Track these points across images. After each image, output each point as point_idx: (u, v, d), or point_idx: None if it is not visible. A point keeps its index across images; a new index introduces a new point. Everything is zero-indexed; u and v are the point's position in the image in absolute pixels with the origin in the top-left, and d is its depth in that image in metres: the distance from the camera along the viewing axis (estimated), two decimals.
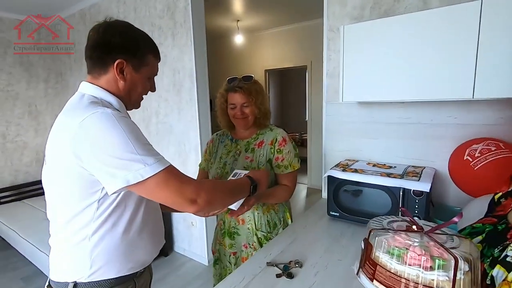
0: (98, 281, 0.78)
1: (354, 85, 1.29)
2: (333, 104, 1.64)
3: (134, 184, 0.66)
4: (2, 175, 3.43)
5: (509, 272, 0.54)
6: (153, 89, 0.91)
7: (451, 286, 0.52)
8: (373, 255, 0.61)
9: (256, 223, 1.27)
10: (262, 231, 1.27)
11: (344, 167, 1.38)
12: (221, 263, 1.36)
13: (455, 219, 0.60)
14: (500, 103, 1.19)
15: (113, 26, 0.81)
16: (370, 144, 1.55)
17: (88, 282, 0.77)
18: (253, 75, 1.28)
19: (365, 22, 1.24)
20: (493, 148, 1.06)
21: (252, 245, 1.27)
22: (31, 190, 3.46)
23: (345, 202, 1.36)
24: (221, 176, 1.27)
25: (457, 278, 0.52)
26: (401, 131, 1.44)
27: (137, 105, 0.91)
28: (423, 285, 0.53)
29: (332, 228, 1.30)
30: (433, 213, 1.27)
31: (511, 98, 1.00)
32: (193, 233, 2.63)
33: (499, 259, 0.58)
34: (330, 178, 1.35)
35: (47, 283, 0.84)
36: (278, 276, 0.95)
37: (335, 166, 1.42)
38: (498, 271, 0.57)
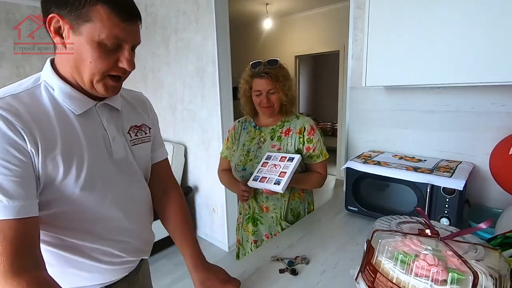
0: None
1: (379, 67, 1.15)
2: (359, 89, 1.50)
3: None
4: None
5: None
6: (125, 63, 0.62)
7: None
8: (374, 260, 0.52)
9: (282, 212, 1.22)
10: (287, 221, 1.23)
11: (366, 159, 1.26)
12: (243, 249, 1.34)
13: (482, 225, 0.49)
14: None
15: None
16: (399, 134, 1.39)
17: None
18: (278, 59, 1.21)
19: None
20: None
21: (275, 235, 1.22)
22: None
23: (366, 196, 1.25)
24: (245, 164, 1.24)
25: None
26: (436, 120, 1.27)
27: (102, 89, 0.63)
28: None
29: (349, 224, 1.21)
30: (468, 215, 1.11)
31: None
32: (214, 220, 2.65)
33: None
34: (349, 170, 1.24)
35: None
36: (281, 271, 0.90)
37: (356, 157, 1.31)
38: None
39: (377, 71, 1.15)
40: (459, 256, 0.46)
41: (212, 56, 2.29)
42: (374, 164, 1.19)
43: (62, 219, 0.63)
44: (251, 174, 1.20)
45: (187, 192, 2.73)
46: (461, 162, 1.19)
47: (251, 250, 1.29)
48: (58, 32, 0.59)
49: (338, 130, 4.40)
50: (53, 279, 0.57)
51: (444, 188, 1.01)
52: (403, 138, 1.38)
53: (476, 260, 0.47)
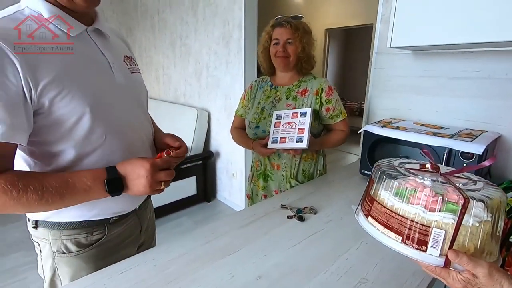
0: (53, 222, 0.70)
1: (407, 25, 1.10)
2: (385, 55, 1.45)
3: None
4: None
5: None
6: None
7: (453, 229, 0.44)
8: (372, 192, 0.55)
9: (292, 171, 1.27)
10: (297, 180, 1.27)
11: (385, 124, 1.24)
12: (252, 201, 1.41)
13: (486, 162, 0.50)
14: None
15: None
16: (423, 102, 1.35)
17: (44, 221, 0.71)
18: (303, 16, 1.20)
19: None
20: None
21: (284, 191, 1.28)
22: None
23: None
24: (259, 122, 1.27)
25: (465, 223, 0.44)
26: (464, 87, 1.22)
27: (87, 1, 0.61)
28: (421, 224, 0.47)
29: (360, 186, 1.22)
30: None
31: None
32: (233, 184, 2.76)
33: None
34: (366, 134, 1.23)
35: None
36: (289, 217, 0.95)
37: (375, 122, 1.29)
38: None
39: (405, 30, 1.10)
40: (454, 185, 0.48)
41: (238, 21, 2.28)
42: (392, 128, 1.17)
43: (72, 145, 0.63)
44: (264, 131, 1.25)
45: (209, 157, 2.84)
46: (486, 131, 1.14)
47: None
48: None
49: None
50: (27, 171, 0.61)
51: (462, 152, 0.98)
52: (427, 106, 1.33)
53: (472, 190, 0.48)
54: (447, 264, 0.44)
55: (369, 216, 0.54)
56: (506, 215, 0.49)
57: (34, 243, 0.75)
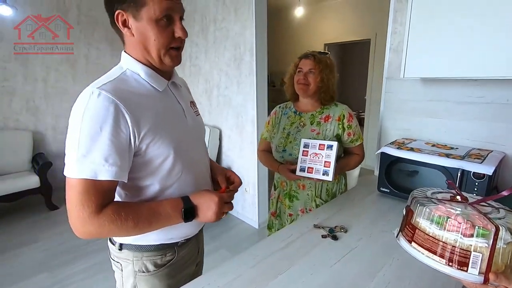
0: (138, 245, 0.82)
1: (418, 60, 1.23)
2: (394, 80, 1.58)
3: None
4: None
5: None
6: (179, 32, 0.73)
7: (488, 252, 0.55)
8: (413, 220, 0.66)
9: (317, 190, 1.37)
10: (322, 199, 1.38)
11: (400, 145, 1.36)
12: (280, 219, 1.52)
13: (504, 192, 0.61)
14: None
15: None
16: (432, 124, 1.48)
17: (130, 244, 0.82)
18: (329, 52, 1.38)
19: None
20: None
21: (309, 210, 1.38)
22: None
23: (397, 180, 1.36)
24: (285, 146, 1.39)
25: (497, 246, 0.55)
26: (470, 111, 1.35)
27: (169, 60, 0.75)
28: (460, 249, 0.57)
29: (381, 203, 1.33)
30: (496, 201, 1.20)
31: None
32: (246, 198, 2.85)
33: None
34: (383, 155, 1.35)
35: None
36: (323, 236, 1.05)
37: (390, 143, 1.41)
38: None
39: (416, 64, 1.24)
40: (484, 215, 0.58)
41: (250, 45, 2.42)
42: (408, 150, 1.29)
43: (157, 180, 0.76)
44: (291, 154, 1.36)
45: None
46: (492, 151, 1.26)
47: (287, 222, 1.46)
48: (125, 24, 0.71)
49: (365, 120, 4.43)
50: (124, 202, 0.74)
51: (474, 173, 1.10)
52: (436, 127, 1.46)
53: (498, 218, 0.59)
54: (486, 280, 0.55)
55: (413, 242, 0.65)
56: None
57: (116, 263, 0.86)
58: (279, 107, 1.52)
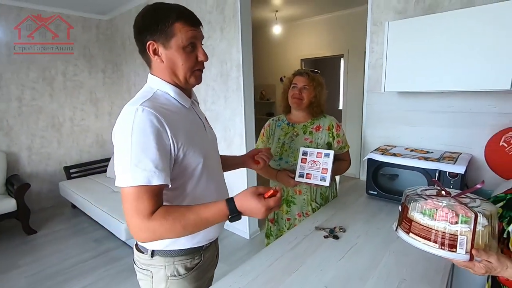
0: (170, 250, 0.88)
1: (396, 76, 1.42)
2: (374, 93, 1.76)
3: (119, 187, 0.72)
4: (70, 153, 3.97)
5: None
6: (202, 56, 0.84)
7: (471, 235, 0.68)
8: (409, 215, 0.78)
9: (312, 195, 1.49)
10: (317, 202, 1.49)
11: (384, 151, 1.52)
12: (278, 225, 1.60)
13: (478, 185, 0.75)
14: None
15: (140, 11, 0.82)
16: (408, 131, 1.66)
17: (162, 250, 0.88)
18: (319, 71, 1.53)
19: (409, 19, 1.35)
20: None
21: (306, 214, 1.48)
22: (95, 167, 3.97)
23: (383, 183, 1.51)
24: (281, 154, 1.50)
25: (477, 229, 0.68)
26: (440, 119, 1.55)
27: (194, 80, 0.86)
28: (449, 234, 0.70)
29: (370, 205, 1.47)
30: (472, 193, 1.38)
31: None
32: None
33: None
34: (370, 161, 1.50)
35: (135, 243, 0.95)
36: (325, 237, 1.16)
37: (374, 150, 1.57)
38: None
39: (394, 79, 1.42)
40: (465, 205, 0.72)
41: (236, 62, 2.54)
42: (391, 155, 1.45)
43: (189, 187, 0.84)
44: (287, 162, 1.47)
45: None
46: (461, 153, 1.46)
47: (285, 227, 1.55)
48: (155, 52, 0.80)
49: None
50: (172, 205, 0.79)
51: (449, 172, 1.28)
52: (413, 134, 1.65)
53: (475, 207, 0.73)
54: (471, 258, 0.68)
55: (410, 233, 0.77)
56: (498, 220, 0.74)
57: (144, 271, 0.90)
58: (273, 119, 1.63)
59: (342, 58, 4.64)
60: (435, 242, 0.72)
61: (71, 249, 2.72)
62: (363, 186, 1.58)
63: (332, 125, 1.49)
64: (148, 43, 0.79)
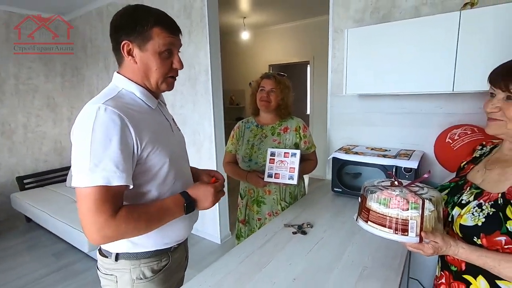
0: (135, 252, 0.85)
1: (355, 80, 1.52)
2: (337, 96, 1.87)
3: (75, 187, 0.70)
4: (24, 162, 3.67)
5: (462, 209, 0.79)
6: (177, 64, 0.85)
7: (420, 219, 0.76)
8: (367, 204, 0.84)
9: (281, 194, 1.52)
10: (286, 201, 1.53)
11: (347, 150, 1.62)
12: (249, 225, 1.61)
13: (425, 175, 0.84)
14: (480, 95, 1.42)
15: (119, 10, 0.81)
16: (368, 131, 1.78)
17: (127, 253, 0.85)
18: (285, 74, 1.58)
19: (366, 26, 1.47)
20: (469, 132, 1.30)
21: (276, 213, 1.51)
22: (53, 177, 3.70)
23: (347, 180, 1.60)
24: (251, 156, 1.52)
25: (425, 214, 0.76)
26: (395, 119, 1.68)
27: (165, 86, 0.85)
28: (401, 219, 0.77)
29: (336, 201, 1.55)
30: (421, 183, 1.51)
31: (483, 91, 1.23)
32: (205, 214, 2.86)
33: (457, 203, 0.82)
34: (335, 160, 1.58)
35: (98, 248, 0.92)
36: (294, 233, 1.20)
37: (338, 149, 1.66)
38: (455, 211, 0.81)
39: (354, 83, 1.52)
40: (414, 193, 0.80)
41: (205, 66, 2.54)
42: (353, 154, 1.55)
43: (154, 187, 0.82)
44: (256, 163, 1.50)
45: None
46: (415, 150, 1.59)
47: (256, 226, 1.58)
48: (129, 53, 0.80)
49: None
50: (134, 204, 0.78)
51: (404, 168, 1.39)
52: (372, 134, 1.77)
53: (423, 194, 0.81)
54: (421, 240, 0.75)
55: (368, 221, 0.83)
56: (444, 205, 0.83)
57: (108, 276, 0.86)
58: (242, 122, 1.66)
59: (308, 65, 4.82)
60: (390, 227, 0.78)
61: (27, 265, 2.51)
62: (329, 185, 1.66)
63: (299, 126, 1.55)
64: (123, 42, 0.78)
